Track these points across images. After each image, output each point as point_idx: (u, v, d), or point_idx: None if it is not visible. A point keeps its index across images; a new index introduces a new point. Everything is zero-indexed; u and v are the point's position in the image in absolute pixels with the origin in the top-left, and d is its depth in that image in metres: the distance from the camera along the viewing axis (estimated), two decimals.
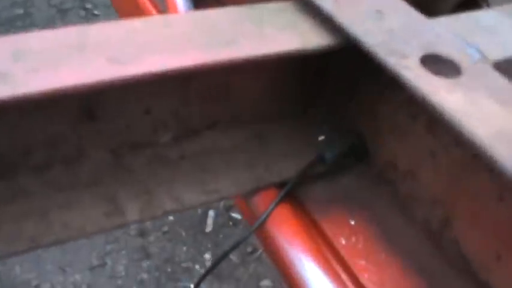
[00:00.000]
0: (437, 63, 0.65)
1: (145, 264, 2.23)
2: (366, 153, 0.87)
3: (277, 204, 0.80)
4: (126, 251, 2.29)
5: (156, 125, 0.79)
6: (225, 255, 0.87)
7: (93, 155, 0.76)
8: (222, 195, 0.79)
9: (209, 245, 2.34)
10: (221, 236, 2.39)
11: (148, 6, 1.36)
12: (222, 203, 2.43)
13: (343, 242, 0.79)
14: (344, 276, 0.77)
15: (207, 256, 2.30)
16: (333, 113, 0.90)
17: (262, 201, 0.82)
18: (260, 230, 0.80)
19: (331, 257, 0.79)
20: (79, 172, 0.78)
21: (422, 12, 0.73)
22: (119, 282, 2.11)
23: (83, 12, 3.56)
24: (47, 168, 0.77)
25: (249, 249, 2.32)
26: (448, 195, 0.75)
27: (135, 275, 2.15)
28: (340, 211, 0.82)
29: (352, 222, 0.81)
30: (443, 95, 0.63)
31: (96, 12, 3.58)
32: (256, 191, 0.82)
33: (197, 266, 2.26)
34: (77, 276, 2.10)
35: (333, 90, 0.89)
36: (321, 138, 0.88)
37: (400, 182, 0.83)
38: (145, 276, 2.15)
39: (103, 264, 2.22)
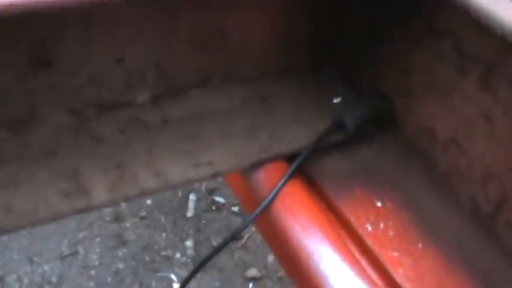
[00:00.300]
0: None
1: (121, 252, 2.11)
2: (393, 118, 0.77)
3: (286, 182, 0.68)
4: (100, 238, 2.16)
5: (131, 79, 0.67)
6: (221, 246, 0.71)
7: (48, 117, 0.65)
8: (217, 169, 0.67)
9: (191, 231, 2.21)
10: (203, 221, 2.25)
11: None
12: (204, 185, 2.33)
13: (369, 228, 0.68)
14: (371, 271, 0.66)
15: (189, 243, 2.17)
16: (352, 68, 0.80)
17: (266, 178, 0.70)
18: (263, 214, 0.68)
19: (355, 248, 0.68)
20: (29, 140, 0.64)
21: None
22: (92, 272, 1.98)
23: None
24: None
25: None
26: (506, 169, 0.64)
27: (110, 264, 2.01)
28: (364, 190, 0.72)
29: (379, 204, 0.71)
30: None
31: None
32: (259, 164, 0.70)
33: (178, 254, 2.13)
34: (46, 267, 1.97)
35: (352, 38, 0.79)
36: (337, 100, 0.78)
37: (439, 153, 0.72)
38: (121, 265, 2.05)
39: (75, 253, 2.09)
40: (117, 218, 2.19)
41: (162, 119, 0.69)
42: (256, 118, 0.73)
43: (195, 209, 2.26)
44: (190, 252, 2.12)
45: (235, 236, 0.74)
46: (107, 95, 0.67)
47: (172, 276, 2.04)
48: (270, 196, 0.67)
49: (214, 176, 0.67)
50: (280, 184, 0.67)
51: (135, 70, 0.66)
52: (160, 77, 0.69)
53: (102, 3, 0.44)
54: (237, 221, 2.17)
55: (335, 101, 0.78)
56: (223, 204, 2.27)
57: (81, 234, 2.13)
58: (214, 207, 2.27)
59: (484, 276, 0.64)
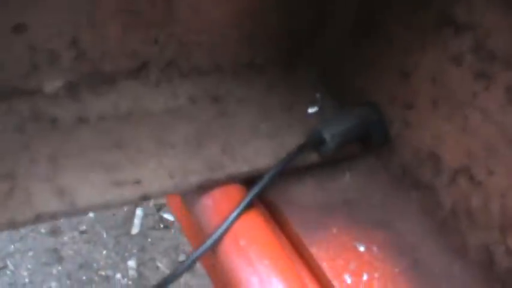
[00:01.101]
0: None
1: (55, 269, 2.02)
2: (386, 137, 0.69)
3: (241, 213, 0.58)
4: (34, 252, 2.08)
5: (37, 57, 0.56)
6: None
7: None
8: (146, 191, 0.56)
9: (134, 250, 2.12)
10: (149, 239, 2.16)
11: None
12: (152, 200, 2.22)
13: (348, 280, 0.59)
14: None
15: (131, 263, 2.07)
16: (334, 69, 0.71)
17: (215, 207, 0.60)
18: (210, 255, 0.58)
19: None
20: None
21: None
22: None
23: None
24: None
25: (181, 258, 2.10)
26: None
27: (42, 282, 1.97)
28: (343, 229, 0.63)
29: (361, 249, 0.62)
30: None
31: None
32: (206, 187, 0.60)
33: (118, 275, 2.04)
34: None
35: (338, 29, 0.70)
36: (314, 109, 0.70)
37: (444, 186, 0.64)
38: (54, 284, 1.98)
39: (3, 268, 1.99)
40: (54, 231, 2.10)
41: (78, 116, 0.59)
42: (206, 125, 0.64)
43: (141, 225, 2.16)
44: (132, 273, 2.03)
45: (172, 280, 0.62)
46: (1, 77, 0.56)
47: None
48: (218, 232, 0.55)
49: (141, 200, 0.57)
50: (232, 216, 0.57)
51: (42, 45, 0.56)
52: (78, 58, 0.58)
53: None
54: (186, 242, 2.15)
55: (311, 110, 0.70)
56: (172, 222, 2.17)
57: (12, 247, 2.05)
58: (162, 225, 2.17)
59: None
